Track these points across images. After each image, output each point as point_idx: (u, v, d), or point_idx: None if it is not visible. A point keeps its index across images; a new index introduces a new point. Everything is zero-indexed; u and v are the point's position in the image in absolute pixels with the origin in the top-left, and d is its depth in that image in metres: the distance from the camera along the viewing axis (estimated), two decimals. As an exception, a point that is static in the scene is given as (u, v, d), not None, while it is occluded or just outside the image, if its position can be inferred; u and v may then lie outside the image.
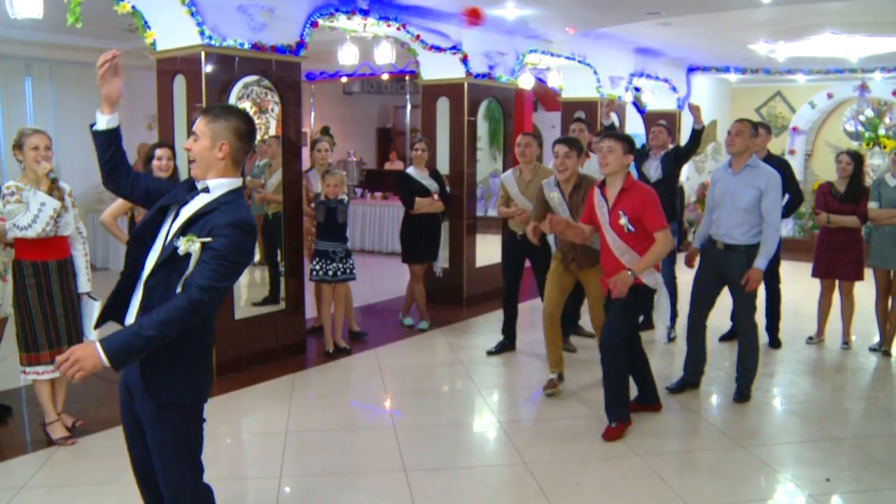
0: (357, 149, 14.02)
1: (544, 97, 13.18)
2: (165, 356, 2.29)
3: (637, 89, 10.97)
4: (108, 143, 2.48)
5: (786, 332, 6.17)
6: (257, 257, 7.38)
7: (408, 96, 13.67)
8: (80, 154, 8.70)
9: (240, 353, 5.28)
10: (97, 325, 2.54)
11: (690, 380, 4.95)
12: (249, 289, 6.50)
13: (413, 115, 13.45)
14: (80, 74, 9.85)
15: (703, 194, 11.32)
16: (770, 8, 7.13)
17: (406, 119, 14.18)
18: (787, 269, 6.30)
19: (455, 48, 7.25)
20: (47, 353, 3.95)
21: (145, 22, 5.11)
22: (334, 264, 5.67)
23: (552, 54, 8.59)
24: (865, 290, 6.07)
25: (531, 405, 4.81)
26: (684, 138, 10.77)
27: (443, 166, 7.40)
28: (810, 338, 6.17)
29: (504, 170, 7.63)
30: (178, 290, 2.25)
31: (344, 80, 12.45)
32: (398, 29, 6.68)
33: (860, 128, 11.91)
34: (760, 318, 5.89)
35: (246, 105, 5.46)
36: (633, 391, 4.37)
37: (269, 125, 5.83)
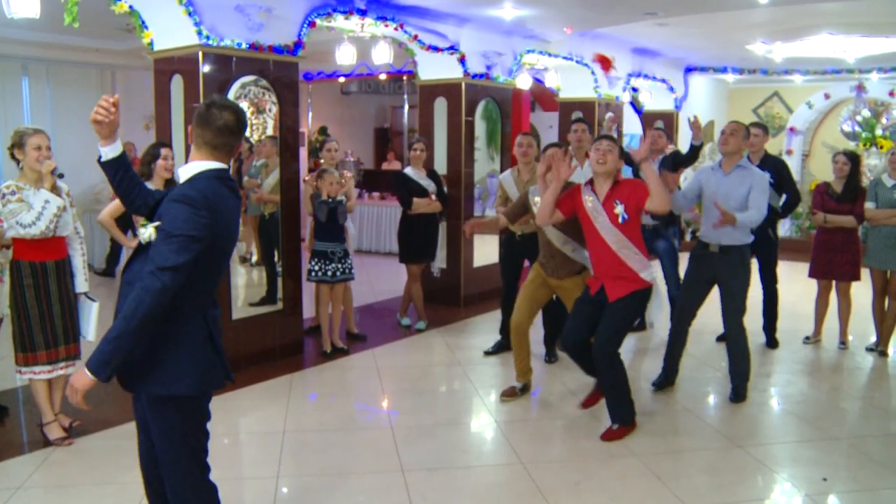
0: (355, 149, 13.99)
1: (542, 97, 13.19)
2: (143, 348, 2.29)
3: (635, 89, 10.97)
4: (116, 168, 2.55)
5: (783, 332, 6.18)
6: (255, 258, 7.39)
7: (405, 96, 13.67)
8: (77, 154, 8.66)
9: (237, 353, 5.26)
10: None
11: (671, 378, 5.01)
12: (247, 289, 6.50)
13: (411, 116, 13.44)
14: (78, 74, 9.83)
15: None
16: (767, 8, 7.14)
17: (404, 119, 14.18)
18: (784, 269, 6.31)
19: (453, 48, 7.25)
20: (44, 353, 3.95)
21: (142, 22, 5.10)
22: (333, 264, 5.67)
23: (550, 54, 8.59)
24: (862, 291, 6.09)
25: (529, 405, 4.81)
26: (682, 139, 10.71)
27: (440, 166, 7.39)
28: (807, 338, 6.18)
29: (502, 170, 7.64)
30: None
31: (341, 80, 12.42)
32: (396, 29, 6.67)
33: (857, 128, 11.92)
34: (757, 318, 5.94)
35: (243, 105, 5.45)
36: (633, 392, 4.37)
37: (266, 125, 5.82)
